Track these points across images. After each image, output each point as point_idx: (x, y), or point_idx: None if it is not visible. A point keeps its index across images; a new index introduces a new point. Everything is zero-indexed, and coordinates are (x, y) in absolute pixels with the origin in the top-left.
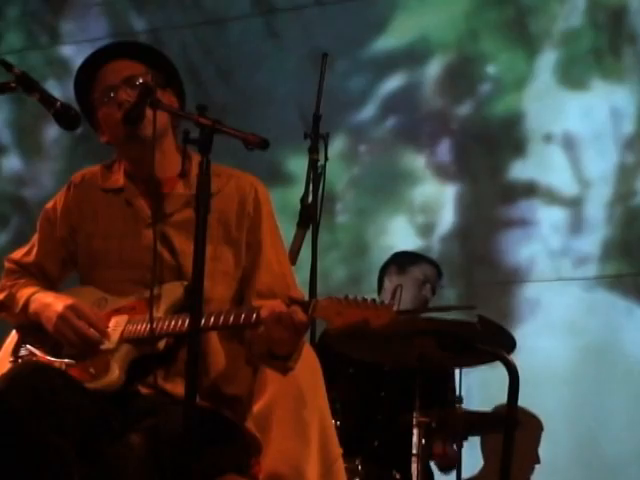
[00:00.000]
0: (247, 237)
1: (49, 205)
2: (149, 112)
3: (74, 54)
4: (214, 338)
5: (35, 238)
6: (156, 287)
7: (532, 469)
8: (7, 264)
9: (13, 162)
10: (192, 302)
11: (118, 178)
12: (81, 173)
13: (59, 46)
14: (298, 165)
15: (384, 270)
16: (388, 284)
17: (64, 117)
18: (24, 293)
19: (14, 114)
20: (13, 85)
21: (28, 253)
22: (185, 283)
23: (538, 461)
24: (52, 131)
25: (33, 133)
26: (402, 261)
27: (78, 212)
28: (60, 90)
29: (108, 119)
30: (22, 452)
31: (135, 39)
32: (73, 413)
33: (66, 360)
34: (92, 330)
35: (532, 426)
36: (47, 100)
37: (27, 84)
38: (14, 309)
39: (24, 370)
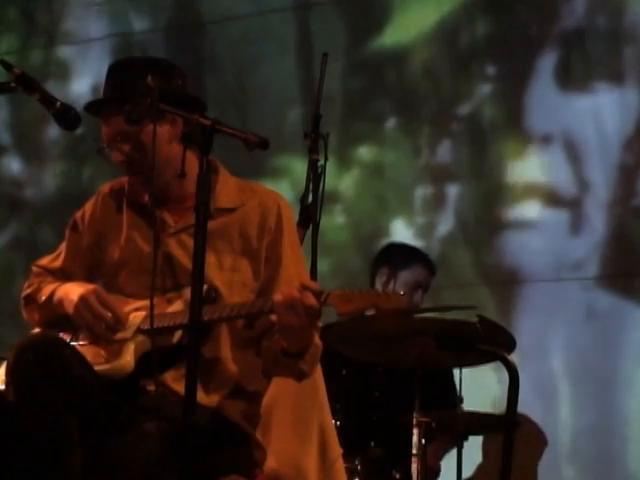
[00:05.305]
0: (267, 251)
1: (78, 214)
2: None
3: (74, 54)
4: (225, 346)
5: (63, 246)
6: (174, 292)
7: None
8: (34, 269)
9: (12, 163)
10: (192, 301)
11: (144, 194)
12: (110, 184)
13: (59, 46)
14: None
15: (376, 268)
16: (379, 287)
17: (64, 117)
18: (51, 286)
19: (14, 114)
20: (13, 85)
21: (55, 259)
22: (205, 286)
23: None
24: (52, 132)
25: (33, 134)
26: (394, 264)
27: (104, 221)
28: (60, 90)
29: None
30: (29, 421)
31: (135, 39)
32: (81, 389)
33: (81, 342)
34: (110, 315)
35: (535, 440)
36: (47, 100)
37: (27, 84)
38: (40, 300)
39: (36, 340)
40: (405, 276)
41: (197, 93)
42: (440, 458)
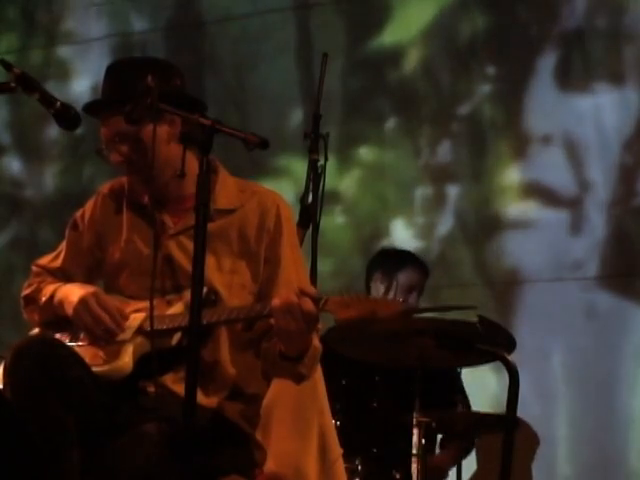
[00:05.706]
0: (266, 252)
1: (78, 213)
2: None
3: (74, 54)
4: (224, 348)
5: (63, 245)
6: (174, 294)
7: None
8: (34, 268)
9: (12, 163)
10: (192, 304)
11: (143, 195)
12: (109, 184)
13: (59, 46)
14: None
15: (370, 274)
16: (375, 292)
17: (64, 117)
18: (51, 286)
19: (14, 114)
20: (13, 85)
21: (55, 259)
22: (205, 289)
23: (531, 478)
24: (52, 131)
25: (33, 133)
26: (388, 268)
27: (104, 222)
28: (60, 90)
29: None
30: (27, 422)
31: (135, 39)
32: (79, 389)
33: (79, 343)
34: (109, 318)
35: (527, 440)
36: (47, 100)
37: (27, 84)
38: (40, 301)
39: (34, 341)
40: (399, 279)
41: (197, 93)
42: (454, 465)
